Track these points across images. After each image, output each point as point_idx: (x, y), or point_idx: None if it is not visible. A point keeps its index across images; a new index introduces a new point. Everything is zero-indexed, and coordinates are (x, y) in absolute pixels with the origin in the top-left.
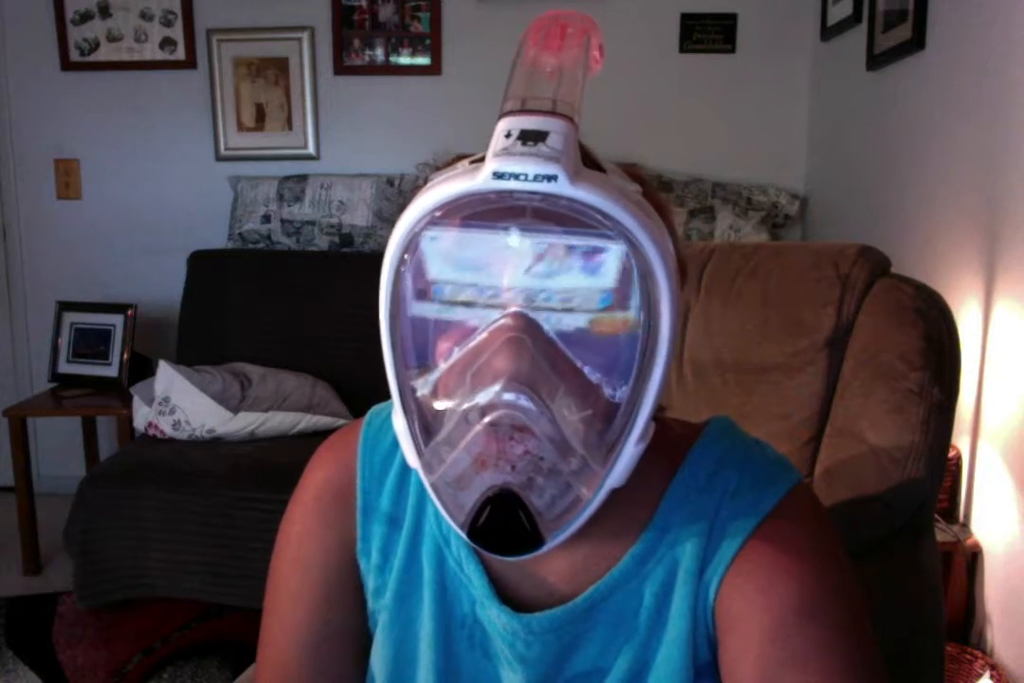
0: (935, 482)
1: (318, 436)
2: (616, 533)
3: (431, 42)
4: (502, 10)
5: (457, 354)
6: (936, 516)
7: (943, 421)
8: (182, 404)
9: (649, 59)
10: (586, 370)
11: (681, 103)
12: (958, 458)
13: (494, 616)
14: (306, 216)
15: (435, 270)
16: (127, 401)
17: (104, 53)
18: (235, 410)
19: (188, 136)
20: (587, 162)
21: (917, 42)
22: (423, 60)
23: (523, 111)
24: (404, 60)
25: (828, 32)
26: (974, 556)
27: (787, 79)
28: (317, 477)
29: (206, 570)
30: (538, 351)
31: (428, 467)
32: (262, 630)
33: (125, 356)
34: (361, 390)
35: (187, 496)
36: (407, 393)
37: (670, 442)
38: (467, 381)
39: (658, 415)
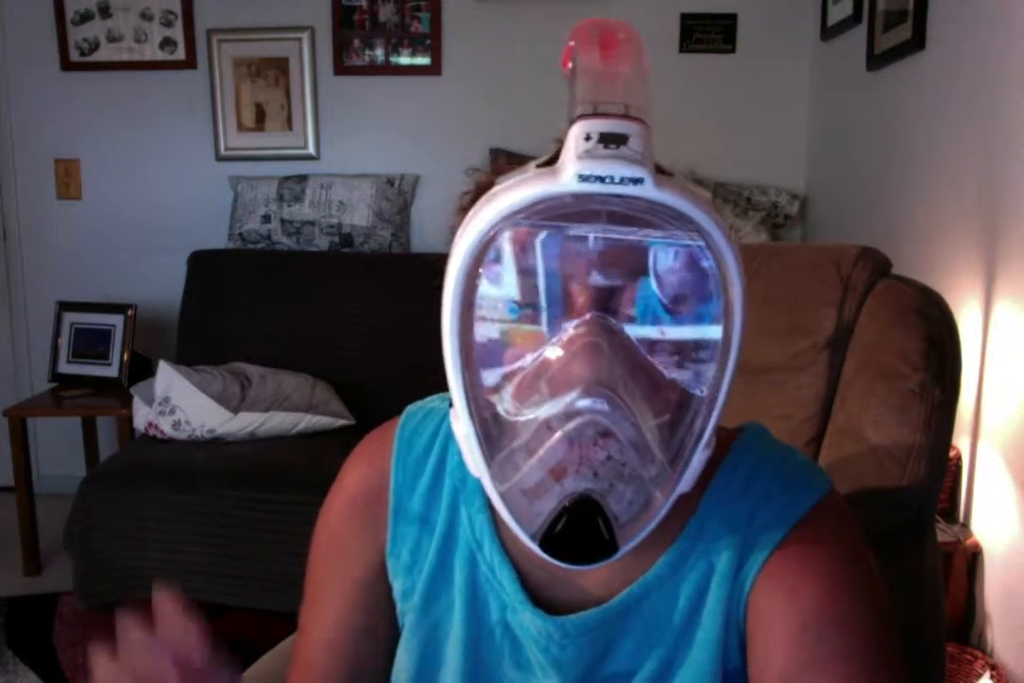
0: (936, 483)
1: (318, 436)
2: (651, 538)
3: (431, 42)
4: (502, 10)
5: (533, 359)
6: (936, 516)
7: (944, 421)
8: (182, 404)
9: (649, 59)
10: (665, 375)
11: (681, 103)
12: (958, 458)
13: (527, 620)
14: (306, 216)
15: (511, 274)
16: (127, 401)
17: (104, 53)
18: (235, 410)
19: (188, 136)
20: (657, 168)
21: (917, 42)
22: (423, 60)
23: (597, 114)
24: (404, 60)
25: (828, 32)
26: (974, 556)
27: (787, 79)
28: (351, 479)
29: (206, 570)
30: (616, 356)
31: (499, 476)
32: (299, 623)
33: (125, 356)
34: (361, 390)
35: (187, 496)
36: (473, 400)
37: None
38: (544, 388)
39: None
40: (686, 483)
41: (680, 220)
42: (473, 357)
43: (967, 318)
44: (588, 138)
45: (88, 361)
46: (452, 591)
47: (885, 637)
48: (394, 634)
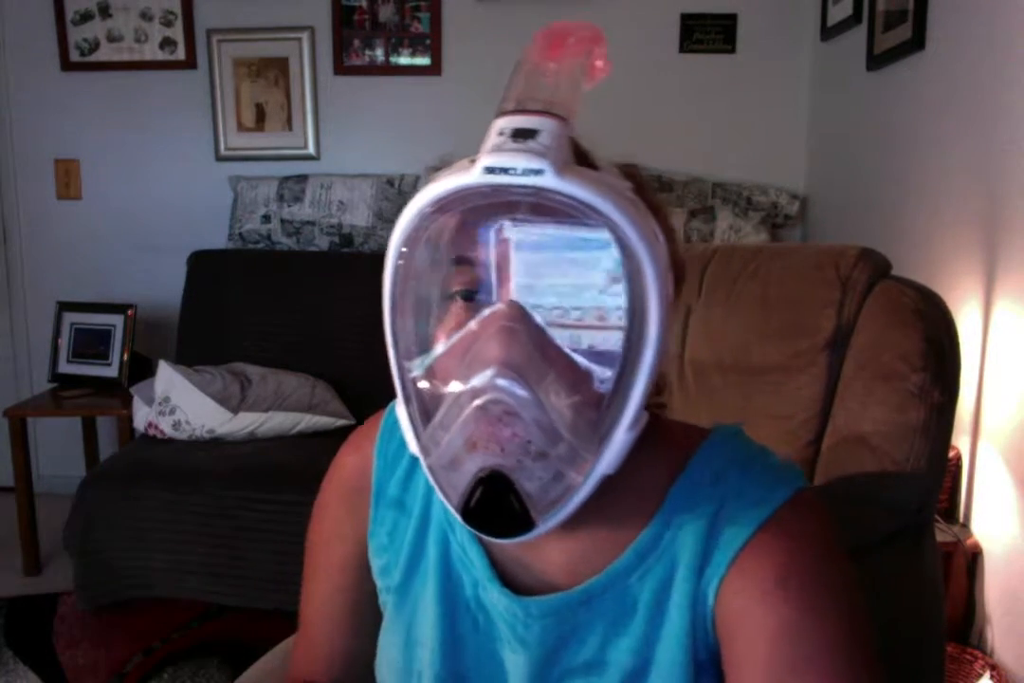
0: (935, 483)
1: (318, 436)
2: (618, 527)
3: (431, 42)
4: (502, 10)
5: (453, 342)
6: (936, 516)
7: (943, 422)
8: (182, 404)
9: (649, 59)
10: (576, 358)
11: (681, 103)
12: (958, 458)
13: (495, 599)
14: (306, 216)
15: (433, 262)
16: (127, 401)
17: (104, 53)
18: (235, 410)
19: (188, 136)
20: (582, 162)
21: (917, 42)
22: (423, 60)
23: (517, 111)
24: (404, 60)
25: (828, 32)
26: (974, 556)
27: (787, 79)
28: (340, 465)
29: (206, 570)
30: (529, 339)
31: (425, 450)
32: (301, 597)
33: (125, 356)
34: (361, 390)
35: (187, 496)
36: (407, 380)
37: (679, 440)
38: (460, 369)
39: (658, 411)
40: (607, 464)
41: (588, 210)
42: (404, 340)
43: (967, 318)
44: (502, 133)
45: (88, 361)
46: (427, 570)
47: (860, 634)
48: (378, 610)
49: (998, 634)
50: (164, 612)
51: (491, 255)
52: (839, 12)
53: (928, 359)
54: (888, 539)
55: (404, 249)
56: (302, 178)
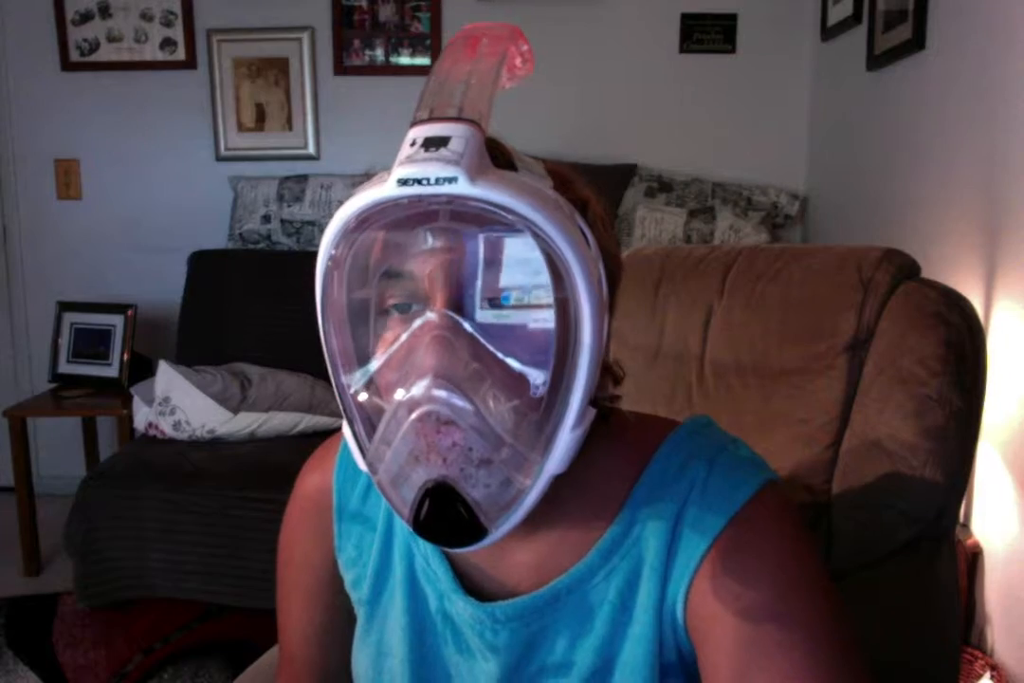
0: (955, 491)
1: (318, 436)
2: (582, 526)
3: (431, 42)
4: (502, 10)
5: (388, 355)
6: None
7: (963, 429)
8: (182, 404)
9: (649, 59)
10: (510, 362)
11: (681, 103)
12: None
13: (460, 608)
14: (306, 216)
15: (360, 277)
16: (127, 401)
17: (104, 53)
18: (235, 410)
19: (188, 136)
20: (502, 163)
21: (917, 42)
22: (423, 60)
23: (429, 120)
24: (404, 60)
25: (828, 32)
26: (974, 556)
27: (787, 79)
28: (302, 485)
29: (206, 570)
30: (461, 347)
31: (372, 467)
32: (277, 619)
33: (125, 356)
34: None
35: (187, 496)
36: (347, 398)
37: (642, 434)
38: (398, 381)
39: (613, 405)
40: (555, 464)
41: (504, 213)
42: (341, 356)
43: None
44: (414, 143)
45: (88, 361)
46: (394, 584)
47: (835, 627)
48: (353, 624)
49: (998, 634)
50: (164, 612)
51: (418, 266)
52: (839, 12)
53: (947, 364)
54: (905, 547)
55: (329, 266)
56: (302, 178)
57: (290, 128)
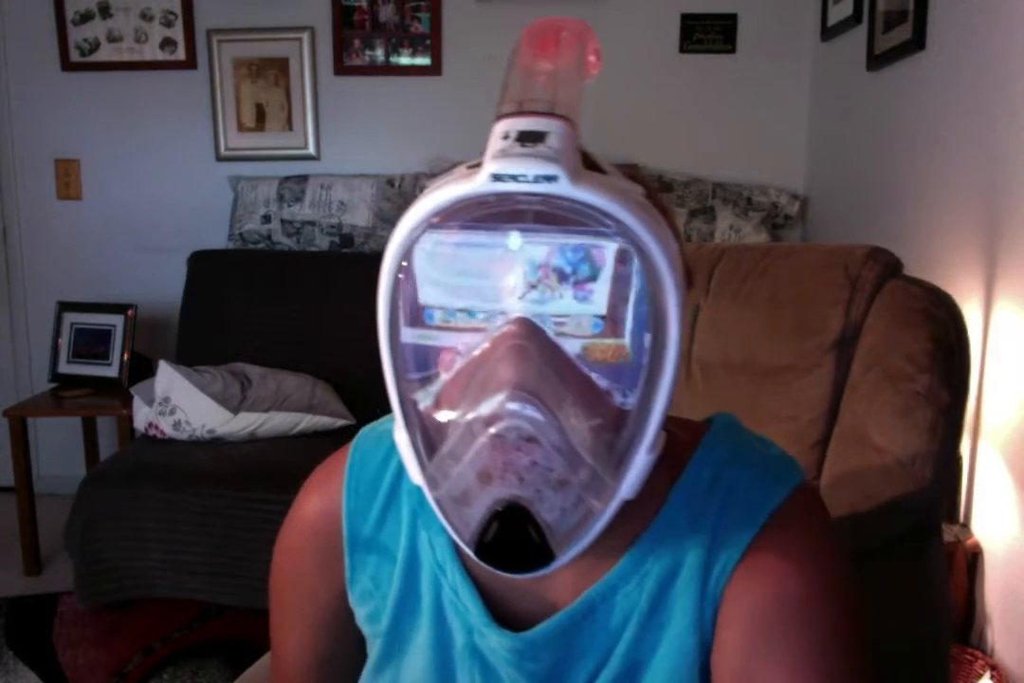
0: (943, 486)
1: (318, 436)
2: (618, 533)
3: (431, 42)
4: (502, 10)
5: (460, 364)
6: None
7: (950, 424)
8: (182, 404)
9: (649, 59)
10: (594, 377)
11: (681, 103)
12: (958, 458)
13: (495, 643)
14: (306, 216)
15: (435, 278)
16: (127, 401)
17: (104, 53)
18: (235, 410)
19: (188, 136)
20: (587, 165)
21: (917, 42)
22: (423, 60)
23: (520, 113)
24: (404, 60)
25: (828, 32)
26: (974, 556)
27: (787, 79)
28: (303, 512)
29: (206, 570)
30: (543, 359)
31: (432, 482)
32: (271, 646)
33: (125, 356)
34: (361, 390)
35: (187, 496)
36: (409, 406)
37: (672, 447)
38: (470, 392)
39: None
40: (628, 489)
41: (605, 218)
42: (404, 362)
43: (967, 318)
44: (506, 137)
45: (88, 361)
46: (419, 617)
47: (854, 632)
48: (360, 658)
49: (998, 634)
50: (164, 612)
51: (497, 268)
52: (839, 12)
53: (935, 360)
54: (894, 543)
55: (402, 264)
56: (302, 178)
57: (290, 128)
